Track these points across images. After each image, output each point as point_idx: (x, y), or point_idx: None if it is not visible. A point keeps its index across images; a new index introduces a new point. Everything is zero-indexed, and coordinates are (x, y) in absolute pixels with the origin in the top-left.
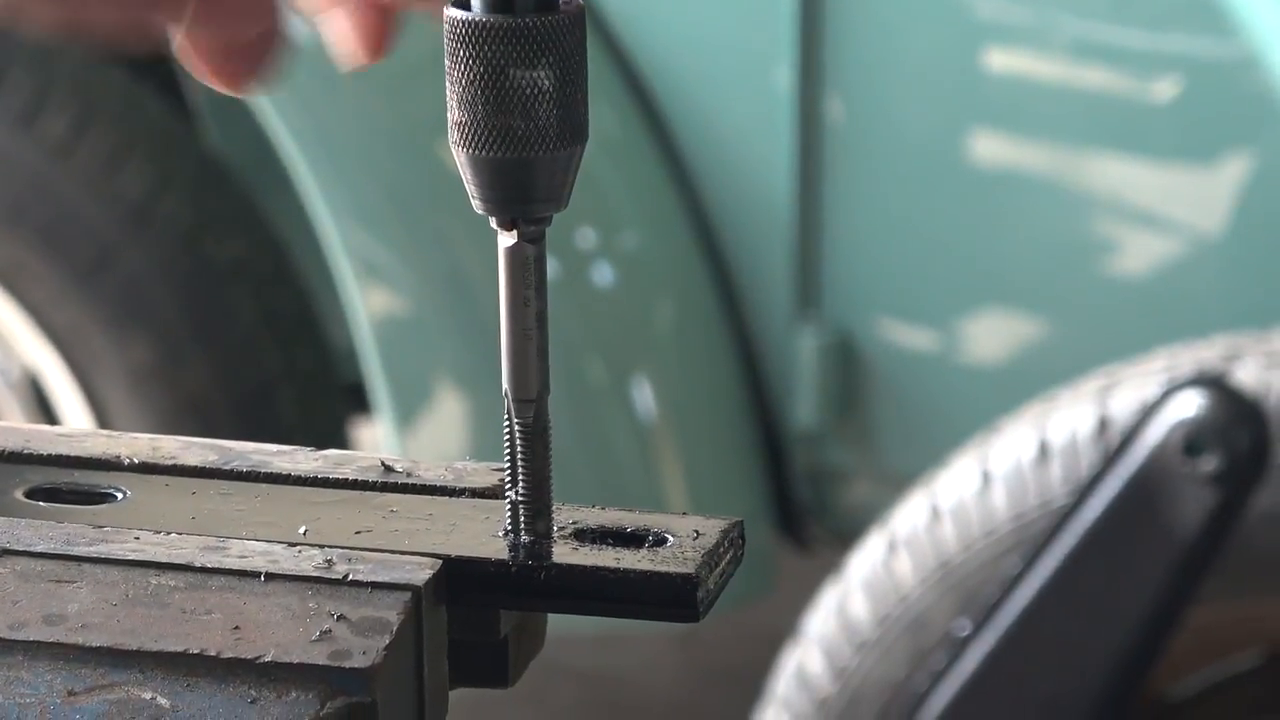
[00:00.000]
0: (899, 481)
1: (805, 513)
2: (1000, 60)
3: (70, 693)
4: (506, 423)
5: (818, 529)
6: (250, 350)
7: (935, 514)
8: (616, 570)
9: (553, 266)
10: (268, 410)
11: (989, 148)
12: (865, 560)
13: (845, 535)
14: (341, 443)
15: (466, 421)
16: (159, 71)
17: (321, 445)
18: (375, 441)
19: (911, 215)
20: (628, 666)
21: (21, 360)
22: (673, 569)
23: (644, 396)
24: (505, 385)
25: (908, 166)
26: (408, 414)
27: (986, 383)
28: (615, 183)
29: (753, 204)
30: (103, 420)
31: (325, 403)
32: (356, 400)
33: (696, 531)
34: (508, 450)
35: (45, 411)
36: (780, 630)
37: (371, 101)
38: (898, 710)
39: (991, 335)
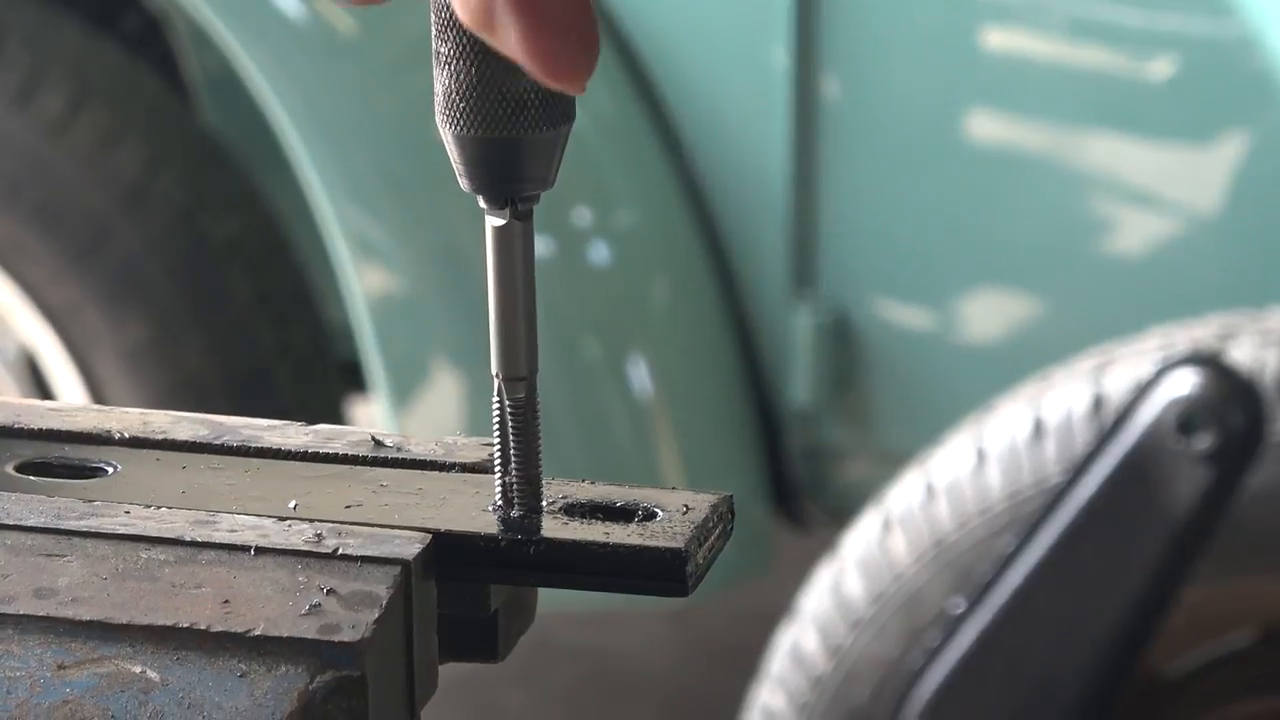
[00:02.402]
0: (894, 460)
1: (801, 491)
2: (996, 39)
3: (60, 666)
4: (496, 401)
5: (813, 507)
6: (246, 328)
7: (930, 492)
8: (606, 545)
9: (548, 245)
10: (263, 388)
11: (985, 127)
12: (860, 538)
13: (840, 513)
14: (337, 421)
15: (462, 399)
16: (155, 49)
17: (316, 423)
18: (371, 419)
19: (907, 194)
20: (623, 644)
21: (18, 339)
22: (662, 543)
23: (640, 375)
24: (494, 364)
25: (904, 145)
26: (403, 392)
27: (982, 361)
28: (611, 161)
29: (749, 182)
30: (98, 398)
31: (321, 381)
32: (352, 378)
33: (686, 506)
34: (498, 428)
35: (41, 390)
36: (775, 608)
37: (368, 80)
38: (892, 687)
39: (987, 314)
